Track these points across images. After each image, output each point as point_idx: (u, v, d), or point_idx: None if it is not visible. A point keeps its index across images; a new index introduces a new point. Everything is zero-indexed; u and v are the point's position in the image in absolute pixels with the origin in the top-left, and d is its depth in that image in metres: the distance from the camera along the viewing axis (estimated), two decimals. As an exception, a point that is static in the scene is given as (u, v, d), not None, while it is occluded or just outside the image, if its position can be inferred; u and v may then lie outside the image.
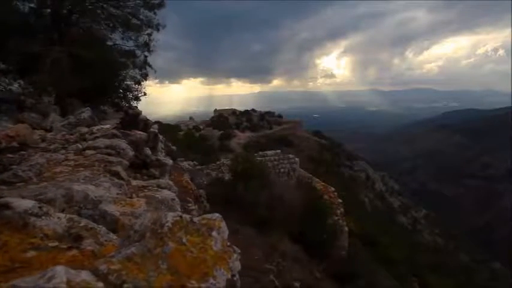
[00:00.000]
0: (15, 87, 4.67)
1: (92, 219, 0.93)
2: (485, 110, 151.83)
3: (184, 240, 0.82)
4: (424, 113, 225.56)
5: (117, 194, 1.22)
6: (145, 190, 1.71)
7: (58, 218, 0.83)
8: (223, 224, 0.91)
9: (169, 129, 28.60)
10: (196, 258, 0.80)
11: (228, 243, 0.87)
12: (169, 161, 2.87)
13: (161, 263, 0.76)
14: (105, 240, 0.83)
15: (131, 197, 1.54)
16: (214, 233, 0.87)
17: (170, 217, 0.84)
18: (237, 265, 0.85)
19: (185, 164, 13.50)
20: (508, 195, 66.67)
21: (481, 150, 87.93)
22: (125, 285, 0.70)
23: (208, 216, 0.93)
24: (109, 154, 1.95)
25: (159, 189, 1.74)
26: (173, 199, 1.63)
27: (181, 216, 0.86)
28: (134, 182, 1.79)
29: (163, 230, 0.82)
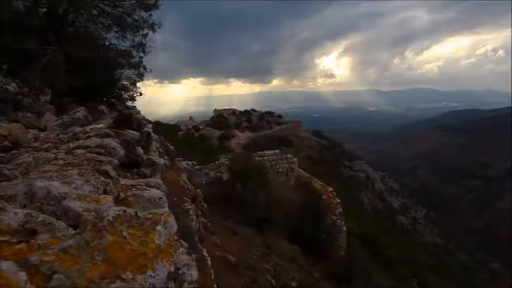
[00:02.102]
0: (12, 86, 4.67)
1: (54, 215, 0.94)
2: (485, 110, 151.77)
3: (125, 233, 0.83)
4: (424, 113, 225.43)
5: (90, 191, 1.23)
6: (133, 189, 1.71)
7: (14, 213, 0.84)
8: (170, 219, 0.92)
9: (169, 129, 28.62)
10: (135, 251, 0.81)
11: (176, 238, 0.88)
12: (161, 161, 2.87)
13: (97, 255, 0.77)
14: (63, 235, 0.84)
15: (118, 196, 1.54)
16: (158, 227, 0.88)
17: (112, 211, 0.85)
18: (183, 259, 0.86)
19: (184, 164, 13.52)
20: (508, 195, 66.60)
21: (481, 150, 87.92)
22: (55, 276, 0.71)
23: (156, 210, 0.93)
24: (99, 153, 1.95)
25: (148, 188, 1.74)
26: (161, 198, 1.63)
27: (125, 211, 0.87)
28: (123, 181, 1.79)
29: (103, 223, 0.83)
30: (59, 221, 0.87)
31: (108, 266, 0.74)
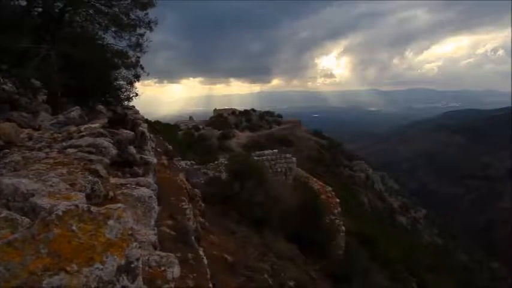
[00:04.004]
0: (9, 86, 4.68)
1: (21, 212, 0.96)
2: (485, 110, 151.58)
3: (74, 227, 0.84)
4: (424, 113, 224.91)
5: (66, 188, 1.23)
6: (123, 188, 1.72)
7: (-25, 209, 0.85)
8: (125, 214, 0.93)
9: (168, 129, 28.62)
10: (83, 244, 0.82)
11: (130, 233, 0.88)
12: (154, 160, 2.88)
13: (42, 248, 0.78)
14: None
15: (107, 194, 1.55)
16: (111, 222, 0.89)
17: (63, 205, 0.86)
18: (135, 253, 0.87)
19: (182, 164, 13.52)
20: (508, 195, 66.57)
21: (481, 150, 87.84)
22: None
23: (111, 206, 0.95)
24: (90, 152, 1.96)
25: (137, 187, 1.74)
26: (150, 197, 1.64)
27: (77, 205, 0.88)
28: (113, 180, 1.80)
29: (51, 218, 0.84)
30: (23, 217, 0.88)
31: (52, 258, 0.75)
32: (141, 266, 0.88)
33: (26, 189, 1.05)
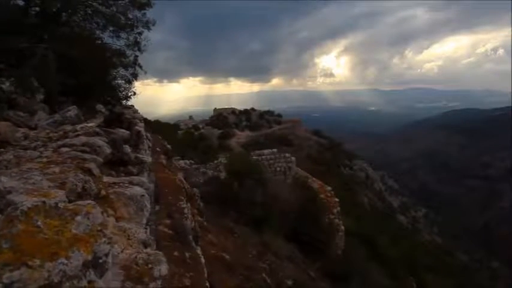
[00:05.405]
0: (6, 85, 4.68)
1: None
2: (485, 110, 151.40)
3: (39, 223, 0.84)
4: (424, 112, 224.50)
5: (49, 186, 1.24)
6: (116, 186, 1.72)
7: None
8: (95, 211, 0.93)
9: (167, 128, 28.62)
10: (48, 240, 0.82)
11: (99, 229, 0.89)
12: (149, 159, 2.88)
13: (4, 243, 0.79)
14: (0, 228, 0.85)
15: (99, 193, 1.55)
16: (78, 218, 0.89)
17: (29, 202, 0.87)
18: (104, 248, 0.87)
19: (182, 163, 13.53)
20: (508, 195, 66.61)
21: (481, 150, 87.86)
22: None
23: (80, 202, 0.95)
24: (84, 151, 1.96)
25: (130, 186, 1.75)
26: (142, 195, 1.64)
27: (44, 202, 0.89)
28: (106, 179, 1.80)
29: (16, 213, 0.84)
30: (-1, 214, 0.89)
31: (14, 253, 0.76)
32: (110, 261, 0.89)
33: (3, 187, 1.06)
